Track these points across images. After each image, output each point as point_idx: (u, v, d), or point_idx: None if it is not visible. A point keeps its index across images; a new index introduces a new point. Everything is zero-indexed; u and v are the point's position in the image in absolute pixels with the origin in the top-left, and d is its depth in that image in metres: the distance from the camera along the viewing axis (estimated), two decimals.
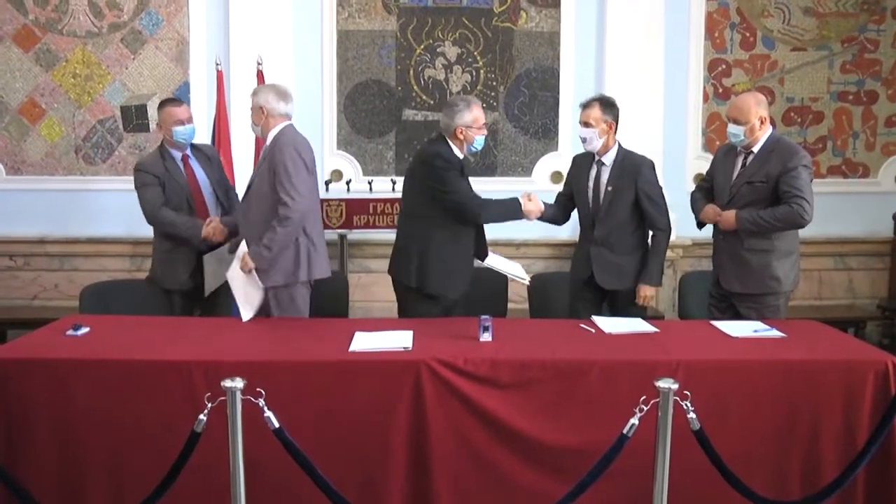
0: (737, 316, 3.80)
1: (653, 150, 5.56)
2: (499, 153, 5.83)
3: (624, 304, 4.01)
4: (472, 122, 3.76)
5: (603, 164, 4.00)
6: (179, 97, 5.64)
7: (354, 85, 5.74)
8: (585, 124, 3.95)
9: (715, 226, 3.92)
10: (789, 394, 3.02)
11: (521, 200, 3.90)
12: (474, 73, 5.77)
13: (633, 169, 3.95)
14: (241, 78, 5.43)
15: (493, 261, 3.98)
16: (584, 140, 3.99)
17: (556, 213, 4.19)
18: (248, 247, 3.71)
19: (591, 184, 4.04)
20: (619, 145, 4.03)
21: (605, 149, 3.98)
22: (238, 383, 2.51)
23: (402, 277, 3.86)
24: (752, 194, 3.71)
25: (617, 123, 3.99)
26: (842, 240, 6.03)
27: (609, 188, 3.96)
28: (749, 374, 3.03)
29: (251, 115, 3.85)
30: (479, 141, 3.81)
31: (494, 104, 5.80)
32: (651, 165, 4.01)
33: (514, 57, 5.78)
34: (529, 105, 5.82)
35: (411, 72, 5.75)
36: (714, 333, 3.46)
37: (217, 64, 5.18)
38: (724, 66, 5.90)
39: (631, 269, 3.99)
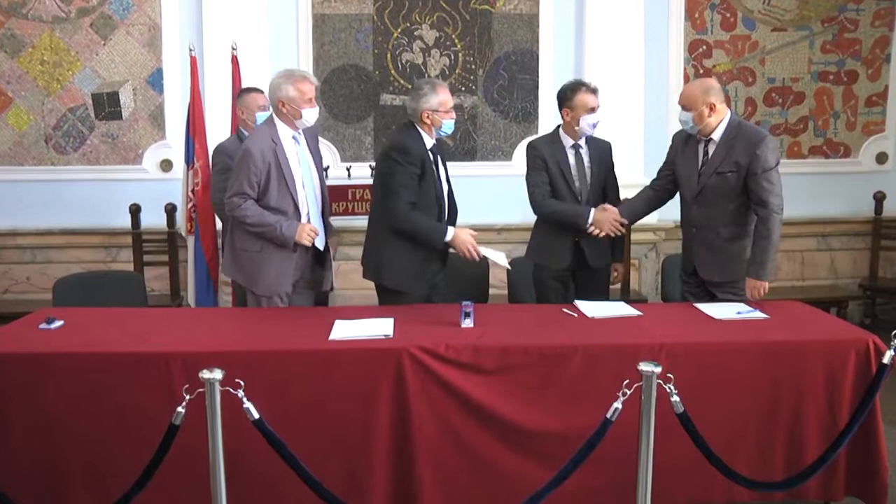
0: (714, 301, 3.78)
1: (633, 133, 5.62)
2: (478, 137, 5.82)
3: (602, 284, 4.11)
4: (439, 106, 3.71)
5: (580, 146, 4.05)
6: (152, 83, 5.61)
7: (331, 70, 5.70)
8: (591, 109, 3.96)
9: (684, 216, 3.91)
10: (772, 375, 3.05)
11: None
12: (452, 57, 5.75)
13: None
14: (214, 64, 5.38)
15: (483, 251, 3.92)
16: (595, 127, 4.01)
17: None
18: None
19: (573, 168, 4.05)
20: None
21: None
22: (216, 374, 2.50)
23: (365, 271, 3.88)
24: (722, 185, 3.69)
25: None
26: (824, 220, 6.08)
27: (595, 169, 4.04)
28: (732, 355, 3.06)
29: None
30: (447, 125, 3.76)
31: (473, 88, 5.78)
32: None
33: (492, 40, 5.76)
34: (509, 88, 5.80)
35: (389, 56, 5.72)
36: (697, 316, 3.48)
37: (190, 50, 5.13)
38: (704, 47, 5.92)
39: (607, 248, 4.09)
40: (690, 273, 3.91)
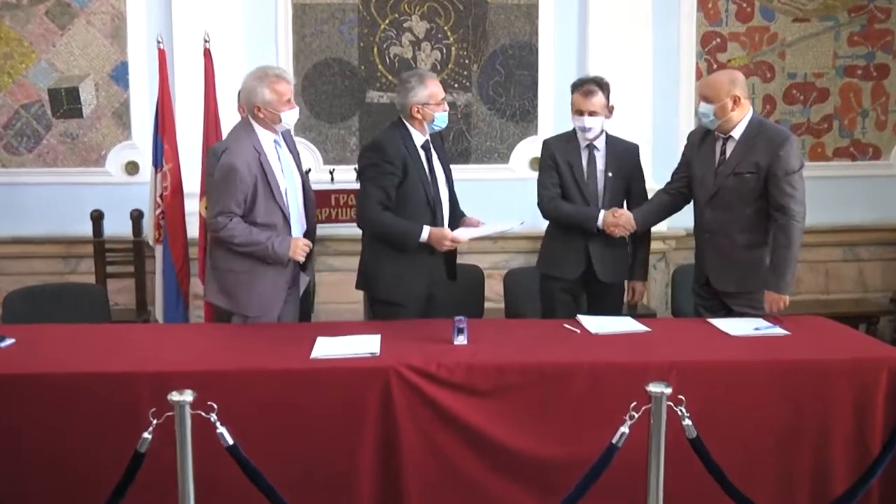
0: (730, 315, 3.81)
1: (641, 133, 5.59)
2: (472, 138, 5.85)
3: (613, 301, 4.12)
4: (429, 99, 3.75)
5: (595, 147, 4.10)
6: (116, 78, 5.62)
7: (313, 65, 5.73)
8: (591, 113, 4.02)
9: (698, 222, 3.94)
10: (794, 397, 3.06)
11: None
12: (445, 51, 5.79)
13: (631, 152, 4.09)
14: (185, 57, 5.39)
15: (471, 233, 3.91)
16: (588, 130, 4.03)
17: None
18: None
19: (584, 171, 4.11)
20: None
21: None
22: (187, 396, 2.50)
23: (358, 281, 3.93)
24: (739, 187, 3.72)
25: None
26: (850, 228, 6.09)
27: (609, 174, 4.09)
28: (750, 375, 3.07)
29: None
30: (440, 118, 3.80)
31: (467, 84, 5.81)
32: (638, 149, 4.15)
33: (488, 32, 5.79)
34: (505, 85, 5.83)
35: (375, 49, 5.75)
36: (711, 332, 3.51)
37: (158, 42, 5.13)
38: (718, 40, 5.95)
39: (625, 262, 4.14)
40: (703, 284, 3.93)
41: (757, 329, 3.49)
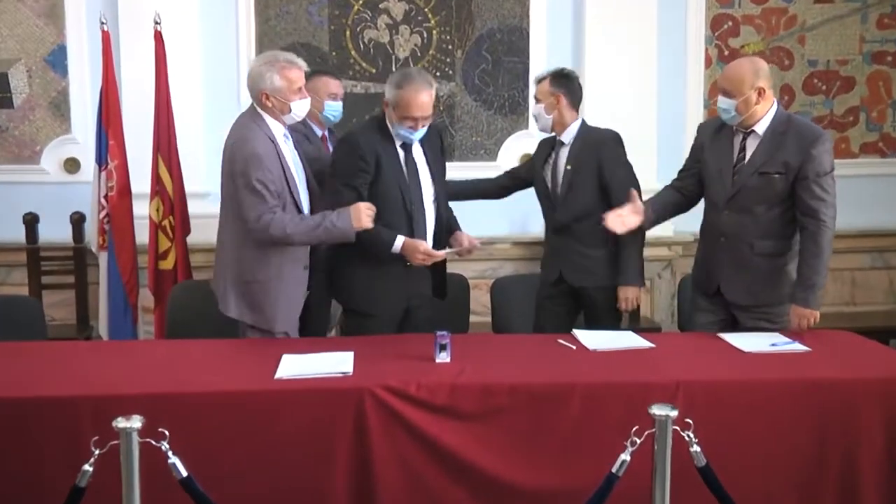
0: (739, 331, 3.82)
1: (644, 129, 5.62)
2: (456, 133, 5.87)
3: (601, 310, 4.18)
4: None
5: (562, 143, 4.24)
6: (52, 64, 5.59)
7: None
8: (536, 99, 4.26)
9: (709, 223, 3.96)
10: (817, 421, 3.07)
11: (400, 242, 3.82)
12: (425, 35, 5.80)
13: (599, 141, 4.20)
14: (133, 41, 5.39)
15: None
16: (534, 118, 4.31)
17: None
18: None
19: (549, 167, 4.28)
20: (583, 121, 4.28)
21: (563, 126, 4.23)
22: (134, 423, 2.49)
23: (332, 290, 3.99)
24: (764, 188, 3.73)
25: (572, 98, 4.23)
26: (880, 232, 6.13)
27: (568, 167, 4.18)
28: (766, 397, 3.09)
29: None
30: (403, 130, 3.83)
31: (450, 73, 5.84)
32: (617, 138, 4.24)
33: (473, 14, 5.82)
34: (493, 73, 5.86)
35: (348, 33, 5.76)
36: (722, 348, 3.53)
37: (102, 23, 5.13)
38: (730, 24, 6.00)
39: (604, 265, 4.18)
40: (713, 294, 3.94)
41: (774, 345, 3.52)
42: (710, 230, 3.96)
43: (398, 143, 3.85)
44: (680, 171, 4.14)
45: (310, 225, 3.65)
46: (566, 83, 4.21)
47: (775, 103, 3.79)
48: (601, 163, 4.15)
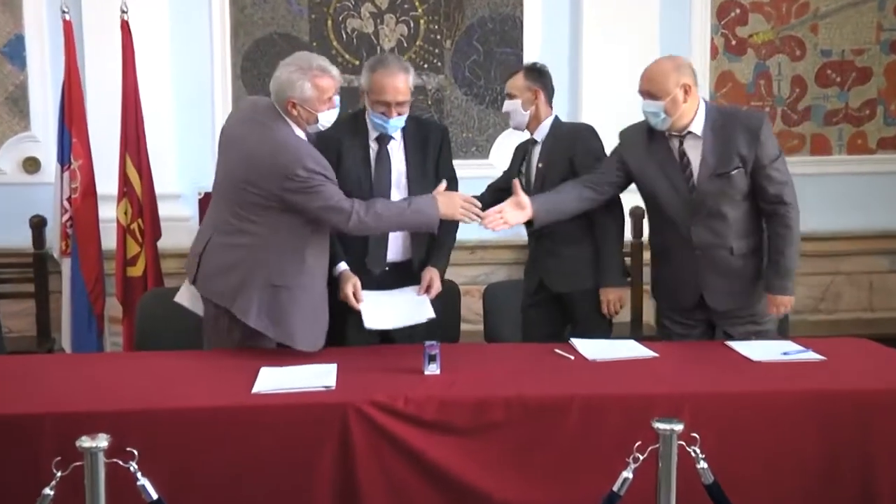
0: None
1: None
2: None
3: (584, 315, 4.19)
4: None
5: (535, 141, 4.27)
6: (9, 56, 5.58)
7: (254, 41, 5.74)
8: (509, 95, 4.24)
9: (674, 240, 3.93)
10: (832, 435, 3.08)
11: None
12: (412, 25, 5.82)
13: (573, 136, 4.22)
14: (97, 31, 5.40)
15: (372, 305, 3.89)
16: (506, 115, 4.30)
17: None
18: None
19: (523, 168, 4.30)
20: (556, 118, 4.28)
21: (537, 123, 4.24)
22: (100, 442, 2.48)
23: None
24: (727, 188, 3.74)
25: (548, 93, 4.24)
26: None
27: (539, 165, 4.20)
28: (778, 409, 3.09)
29: None
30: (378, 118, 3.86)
31: (439, 65, 5.85)
32: (592, 130, 4.25)
33: (463, 2, 5.84)
34: (485, 65, 5.88)
35: (330, 23, 5.77)
36: (729, 357, 3.54)
37: (63, 11, 5.12)
38: (737, 11, 6.03)
39: (583, 266, 4.18)
40: (691, 308, 3.94)
41: (786, 353, 3.53)
42: (677, 247, 3.93)
43: (373, 136, 3.89)
44: (603, 168, 4.04)
45: (394, 206, 3.71)
46: (541, 77, 4.23)
47: (701, 99, 3.81)
48: (573, 157, 4.14)
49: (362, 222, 3.58)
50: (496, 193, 4.31)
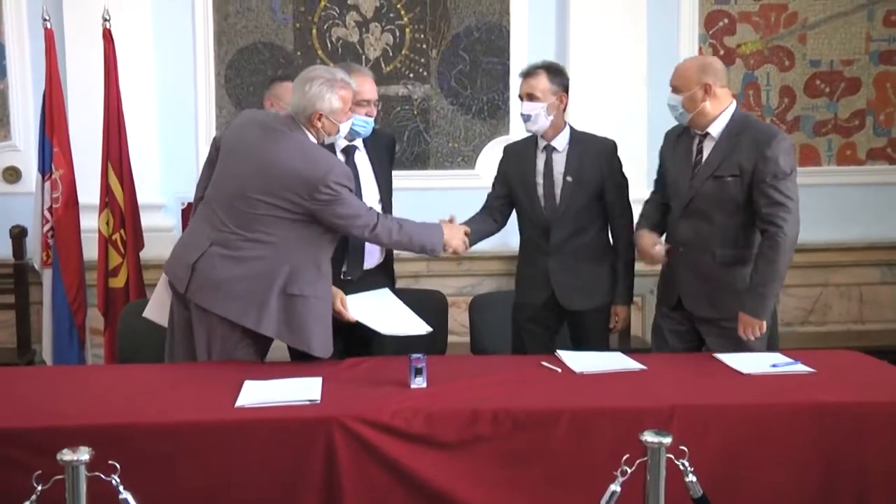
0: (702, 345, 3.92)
1: (634, 134, 5.64)
2: (431, 139, 5.89)
3: (593, 332, 4.18)
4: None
5: (555, 149, 4.16)
6: None
7: (238, 50, 5.75)
8: (529, 97, 4.10)
9: (670, 233, 4.03)
10: (824, 448, 3.08)
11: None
12: (398, 34, 5.83)
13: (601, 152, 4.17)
14: (79, 39, 5.39)
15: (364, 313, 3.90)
16: (526, 118, 4.12)
17: (487, 226, 4.31)
18: None
19: (540, 178, 4.19)
20: (570, 126, 4.22)
21: (556, 130, 4.15)
22: (82, 455, 2.48)
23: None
24: (719, 192, 3.79)
25: (568, 97, 4.17)
26: (889, 244, 6.15)
27: (568, 179, 4.12)
28: (768, 421, 3.10)
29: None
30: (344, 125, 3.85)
31: (425, 74, 5.86)
32: (616, 149, 4.24)
33: (449, 11, 5.85)
34: (471, 75, 5.89)
35: (314, 32, 5.78)
36: (718, 369, 3.56)
37: (45, 19, 5.12)
38: (726, 21, 6.05)
39: (602, 283, 4.19)
40: (674, 307, 4.01)
41: (775, 366, 3.54)
42: (670, 240, 4.03)
43: (339, 149, 3.94)
44: (656, 181, 4.22)
45: (410, 227, 3.79)
46: (565, 80, 4.15)
47: (733, 105, 3.87)
48: (605, 175, 4.15)
49: (380, 234, 3.69)
50: (502, 206, 4.33)
